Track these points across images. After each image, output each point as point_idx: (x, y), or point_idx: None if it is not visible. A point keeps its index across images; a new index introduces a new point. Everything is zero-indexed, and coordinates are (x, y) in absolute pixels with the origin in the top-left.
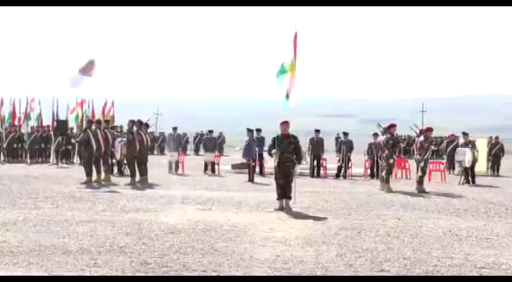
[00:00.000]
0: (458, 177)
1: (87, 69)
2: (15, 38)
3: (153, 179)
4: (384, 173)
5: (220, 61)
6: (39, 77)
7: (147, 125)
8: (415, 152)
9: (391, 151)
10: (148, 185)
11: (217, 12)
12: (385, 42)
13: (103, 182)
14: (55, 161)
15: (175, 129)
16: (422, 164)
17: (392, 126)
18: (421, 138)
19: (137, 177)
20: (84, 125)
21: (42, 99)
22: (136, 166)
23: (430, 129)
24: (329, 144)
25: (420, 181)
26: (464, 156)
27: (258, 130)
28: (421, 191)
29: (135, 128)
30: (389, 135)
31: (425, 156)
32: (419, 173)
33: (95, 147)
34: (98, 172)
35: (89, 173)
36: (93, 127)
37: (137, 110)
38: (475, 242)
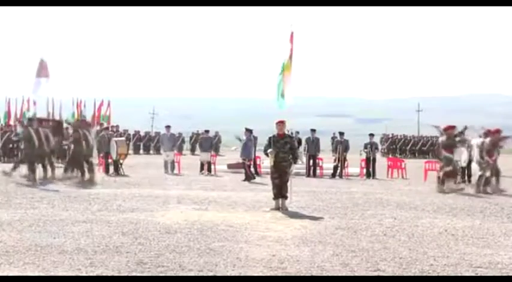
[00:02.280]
0: None
1: (41, 70)
2: (11, 38)
3: (149, 179)
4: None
5: (216, 61)
6: (33, 78)
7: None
8: (484, 154)
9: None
10: (93, 184)
11: (213, 12)
12: (382, 41)
13: (50, 179)
14: None
15: (168, 127)
16: (493, 164)
17: (451, 127)
18: (487, 139)
19: (86, 176)
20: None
21: (38, 100)
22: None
23: (498, 131)
24: (325, 144)
25: (488, 181)
26: (461, 155)
27: (250, 131)
28: (496, 191)
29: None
30: (446, 136)
31: (495, 158)
32: (487, 173)
33: (37, 144)
34: (45, 169)
35: (34, 170)
36: (35, 125)
37: (133, 110)
38: (470, 241)
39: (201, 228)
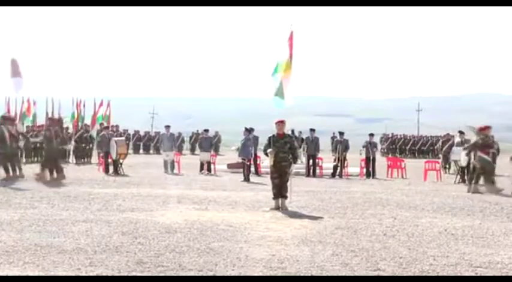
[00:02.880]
0: (454, 176)
1: (14, 70)
2: (8, 37)
3: (149, 179)
4: (473, 175)
5: (216, 61)
6: (33, 77)
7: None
8: None
9: (482, 151)
10: (60, 184)
11: (212, 12)
12: (382, 41)
13: (20, 178)
14: None
15: (167, 127)
16: None
17: (487, 128)
18: None
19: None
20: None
21: (37, 99)
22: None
23: None
24: (325, 144)
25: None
26: (460, 155)
27: (251, 130)
28: None
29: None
30: (481, 137)
31: None
32: None
33: (8, 143)
34: (14, 169)
35: (8, 169)
36: (8, 124)
37: (133, 110)
38: (470, 241)
39: (200, 228)
